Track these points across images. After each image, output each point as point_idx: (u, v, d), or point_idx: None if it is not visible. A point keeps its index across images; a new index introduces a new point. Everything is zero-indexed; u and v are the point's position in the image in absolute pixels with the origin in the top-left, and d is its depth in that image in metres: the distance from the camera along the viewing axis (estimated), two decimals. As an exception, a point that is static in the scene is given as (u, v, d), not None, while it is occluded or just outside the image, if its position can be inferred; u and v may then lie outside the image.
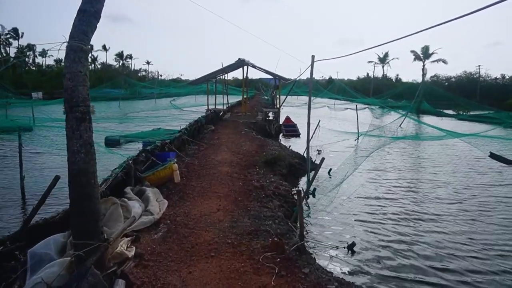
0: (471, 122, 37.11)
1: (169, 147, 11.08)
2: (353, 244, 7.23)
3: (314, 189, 10.59)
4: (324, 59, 11.76)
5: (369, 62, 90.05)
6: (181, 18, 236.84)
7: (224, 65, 25.00)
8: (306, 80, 42.10)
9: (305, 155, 16.34)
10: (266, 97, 68.94)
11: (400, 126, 30.89)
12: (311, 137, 16.98)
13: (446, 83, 79.63)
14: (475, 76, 77.53)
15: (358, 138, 21.80)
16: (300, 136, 23.85)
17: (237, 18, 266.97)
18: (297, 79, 20.19)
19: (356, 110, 23.48)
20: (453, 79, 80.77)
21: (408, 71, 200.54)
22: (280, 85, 26.17)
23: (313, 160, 14.88)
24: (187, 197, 7.77)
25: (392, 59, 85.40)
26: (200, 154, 11.98)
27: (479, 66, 74.50)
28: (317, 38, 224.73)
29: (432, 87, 43.28)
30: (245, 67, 25.03)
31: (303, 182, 11.95)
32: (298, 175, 12.43)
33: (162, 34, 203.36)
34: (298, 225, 6.06)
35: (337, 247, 7.27)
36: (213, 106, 28.13)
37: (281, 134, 24.75)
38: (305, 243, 5.82)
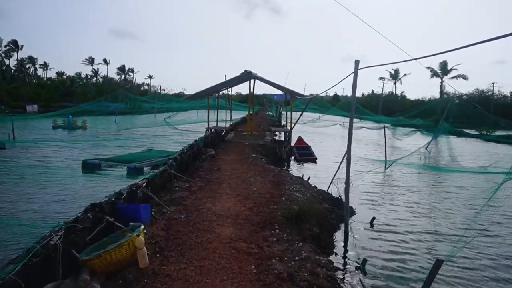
0: (499, 144, 33.41)
1: (143, 194, 7.40)
2: None
3: (364, 260, 6.88)
4: (368, 66, 8.26)
5: (381, 78, 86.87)
6: (183, 32, 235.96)
7: (228, 78, 21.56)
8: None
9: (330, 191, 12.71)
10: (271, 113, 66.06)
11: (426, 148, 27.34)
12: (338, 168, 13.44)
13: (457, 101, 76.31)
14: (487, 94, 74.20)
15: (386, 166, 18.11)
16: (317, 161, 20.16)
17: (241, 33, 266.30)
18: (334, 86, 16.72)
19: (384, 132, 19.68)
20: (465, 97, 77.31)
21: (418, 88, 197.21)
22: (292, 101, 22.62)
23: (340, 197, 11.25)
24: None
25: (404, 75, 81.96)
26: (191, 200, 8.27)
27: (493, 83, 71.07)
28: (322, 55, 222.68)
29: (465, 104, 39.80)
30: (252, 81, 21.61)
31: (339, 239, 8.23)
32: (330, 228, 8.68)
33: (165, 48, 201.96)
34: None
35: None
36: (215, 123, 24.61)
37: (293, 157, 21.11)
38: None
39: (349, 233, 8.25)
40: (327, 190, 12.69)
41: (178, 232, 6.31)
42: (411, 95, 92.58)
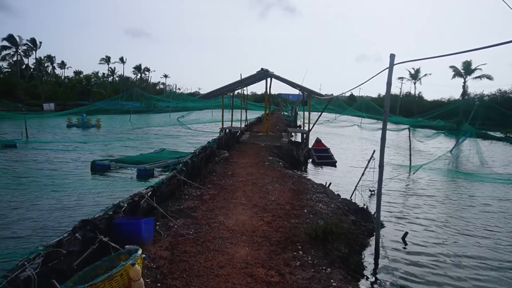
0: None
1: (148, 204, 6.51)
2: None
3: (401, 289, 5.85)
4: (406, 61, 7.17)
5: (399, 78, 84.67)
6: (198, 32, 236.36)
7: (243, 77, 20.64)
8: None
9: (354, 199, 11.66)
10: (286, 113, 64.99)
11: (451, 152, 25.92)
12: (362, 174, 12.36)
13: (477, 102, 73.70)
14: (510, 95, 71.45)
15: (411, 172, 16.87)
16: (336, 165, 19.05)
17: (255, 32, 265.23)
18: (366, 82, 15.63)
19: (409, 134, 18.38)
20: (486, 98, 74.57)
21: (436, 89, 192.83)
22: (309, 101, 21.55)
23: (366, 206, 10.20)
24: None
25: (425, 75, 79.65)
26: (202, 211, 7.35)
27: (516, 83, 68.39)
28: (336, 54, 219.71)
29: (492, 105, 37.95)
30: (268, 79, 20.64)
31: (368, 259, 7.18)
32: (356, 244, 7.63)
33: (180, 47, 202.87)
34: None
35: None
36: (229, 123, 23.73)
37: (310, 160, 20.06)
38: None
39: (380, 252, 7.23)
40: (350, 197, 11.66)
41: (185, 253, 5.38)
42: (429, 96, 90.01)
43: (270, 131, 24.17)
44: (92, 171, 15.77)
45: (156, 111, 63.18)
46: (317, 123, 23.15)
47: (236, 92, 26.49)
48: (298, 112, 41.52)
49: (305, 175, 13.65)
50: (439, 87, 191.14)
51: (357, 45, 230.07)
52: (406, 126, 41.39)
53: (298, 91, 26.75)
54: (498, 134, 38.61)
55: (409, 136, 18.05)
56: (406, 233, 8.53)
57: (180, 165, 9.54)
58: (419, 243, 8.34)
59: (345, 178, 15.73)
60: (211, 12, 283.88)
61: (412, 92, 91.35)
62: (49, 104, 60.28)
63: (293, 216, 7.26)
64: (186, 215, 7.03)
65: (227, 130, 21.34)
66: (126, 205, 5.99)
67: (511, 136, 38.24)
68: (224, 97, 28.00)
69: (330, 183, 12.42)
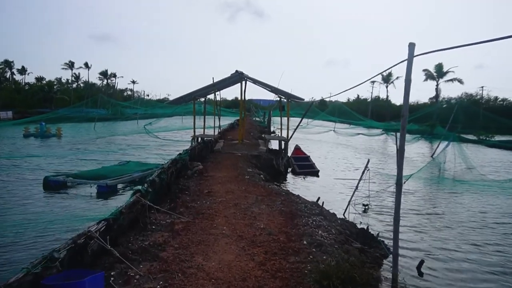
0: (505, 150, 31.50)
1: (99, 246, 4.75)
2: None
3: None
4: (427, 52, 5.79)
5: (371, 82, 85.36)
6: (168, 37, 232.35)
7: (216, 80, 19.01)
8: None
9: (347, 216, 10.25)
10: (258, 119, 63.75)
11: (432, 157, 25.24)
12: (356, 187, 10.98)
13: (445, 105, 75.10)
14: (476, 98, 73.43)
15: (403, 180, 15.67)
16: (319, 174, 17.70)
17: (224, 37, 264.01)
18: (381, 73, 14.34)
19: (396, 139, 17.26)
20: (454, 101, 76.21)
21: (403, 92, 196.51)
22: (288, 106, 20.17)
23: (367, 227, 8.81)
24: None
25: (397, 79, 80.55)
26: (173, 249, 5.62)
27: (482, 87, 70.11)
28: (305, 59, 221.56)
29: (475, 109, 37.93)
30: (243, 83, 19.11)
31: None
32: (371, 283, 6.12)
33: (149, 53, 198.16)
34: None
35: None
36: (202, 130, 22.02)
37: (290, 169, 18.63)
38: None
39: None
40: (344, 214, 10.25)
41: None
42: (396, 100, 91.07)
43: (245, 138, 22.61)
44: (45, 189, 13.64)
45: (123, 119, 60.50)
46: (290, 129, 21.87)
47: (207, 97, 24.82)
48: (272, 118, 40.20)
49: (291, 190, 12.07)
50: (414, 91, 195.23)
51: (325, 50, 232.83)
52: (380, 131, 41.03)
53: (272, 96, 25.28)
54: (471, 137, 38.74)
55: (396, 142, 16.79)
56: (421, 262, 7.12)
57: (145, 185, 7.76)
58: (438, 275, 6.94)
59: (332, 190, 14.38)
60: (180, 16, 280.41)
61: (381, 96, 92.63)
62: (6, 112, 56.44)
63: (291, 251, 5.69)
64: (152, 256, 5.31)
65: (200, 139, 19.62)
66: (65, 252, 4.23)
67: (484, 138, 38.42)
68: (196, 102, 26.31)
69: (319, 198, 10.96)
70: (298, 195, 10.09)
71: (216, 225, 6.76)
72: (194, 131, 19.65)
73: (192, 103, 20.50)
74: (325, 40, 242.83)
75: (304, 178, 16.74)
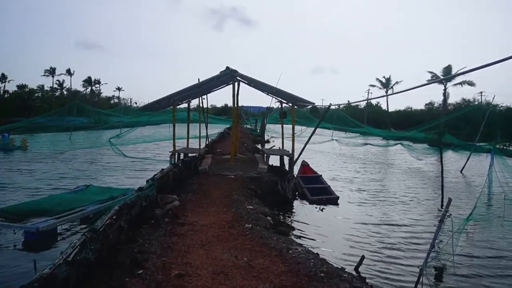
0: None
1: None
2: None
3: None
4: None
5: (372, 86, 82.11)
6: (155, 44, 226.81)
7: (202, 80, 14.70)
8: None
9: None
10: (249, 126, 60.03)
11: (461, 172, 21.24)
12: (435, 238, 6.66)
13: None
14: (475, 103, 70.29)
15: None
16: (339, 201, 13.37)
17: (212, 44, 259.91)
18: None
19: (441, 158, 12.76)
20: (451, 107, 72.91)
21: (402, 98, 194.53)
22: (293, 112, 15.89)
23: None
24: None
25: (396, 83, 77.23)
26: None
27: (481, 92, 66.82)
28: (292, 66, 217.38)
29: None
30: (236, 83, 14.83)
31: None
32: None
33: (136, 60, 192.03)
34: None
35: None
36: (185, 143, 17.72)
37: (297, 193, 14.33)
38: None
39: None
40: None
41: None
42: (392, 107, 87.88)
43: (238, 150, 18.29)
44: None
45: (106, 127, 55.90)
46: (281, 137, 17.73)
47: (194, 104, 20.49)
48: (266, 125, 36.12)
49: (309, 237, 7.72)
50: (405, 96, 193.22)
51: (312, 57, 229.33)
52: (393, 141, 36.84)
53: (263, 103, 21.07)
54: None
55: (441, 160, 12.41)
56: None
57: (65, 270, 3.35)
58: None
59: (370, 236, 9.92)
60: (167, 23, 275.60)
61: (376, 102, 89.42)
62: (-22, 122, 51.57)
63: None
64: None
65: (182, 155, 15.29)
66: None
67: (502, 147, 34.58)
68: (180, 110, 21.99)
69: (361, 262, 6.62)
70: (346, 270, 5.71)
71: None
72: (174, 146, 15.23)
73: (172, 109, 16.05)
74: (312, 47, 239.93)
75: (322, 209, 12.34)
